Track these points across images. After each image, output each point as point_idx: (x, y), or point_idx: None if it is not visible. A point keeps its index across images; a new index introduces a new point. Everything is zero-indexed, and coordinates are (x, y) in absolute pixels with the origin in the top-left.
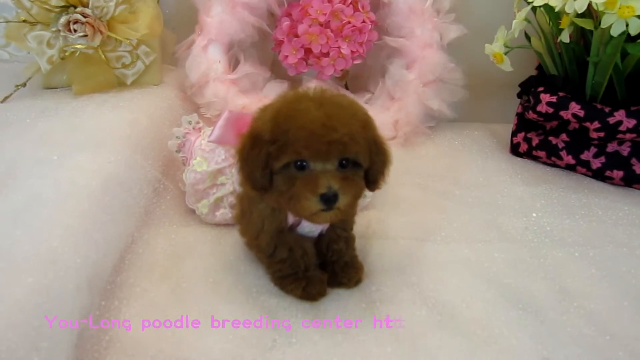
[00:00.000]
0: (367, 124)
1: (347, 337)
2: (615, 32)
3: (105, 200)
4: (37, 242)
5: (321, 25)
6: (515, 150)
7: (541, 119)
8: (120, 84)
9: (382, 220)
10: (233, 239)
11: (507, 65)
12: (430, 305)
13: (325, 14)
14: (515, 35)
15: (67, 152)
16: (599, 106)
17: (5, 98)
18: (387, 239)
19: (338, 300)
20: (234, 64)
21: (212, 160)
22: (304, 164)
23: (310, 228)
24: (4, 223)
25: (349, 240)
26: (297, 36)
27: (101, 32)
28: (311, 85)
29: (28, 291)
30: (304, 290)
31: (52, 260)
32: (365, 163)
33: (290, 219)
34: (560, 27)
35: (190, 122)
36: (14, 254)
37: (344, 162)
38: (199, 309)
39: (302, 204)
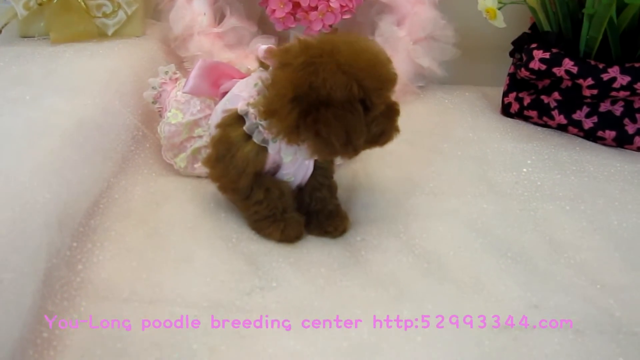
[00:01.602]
0: None
1: (329, 282)
2: None
3: (79, 141)
4: (5, 176)
5: None
6: (506, 110)
7: (533, 77)
8: (100, 35)
9: (368, 174)
10: (214, 188)
11: (500, 22)
12: (416, 253)
13: None
14: None
15: (41, 94)
16: (592, 62)
17: None
18: (373, 191)
19: (322, 247)
20: (219, 17)
21: (188, 112)
22: None
23: (289, 176)
24: None
25: (332, 188)
26: None
27: None
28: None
29: None
30: (282, 233)
31: (19, 194)
32: None
33: (268, 164)
34: None
35: (167, 73)
36: None
37: None
38: (175, 253)
39: (396, 127)
